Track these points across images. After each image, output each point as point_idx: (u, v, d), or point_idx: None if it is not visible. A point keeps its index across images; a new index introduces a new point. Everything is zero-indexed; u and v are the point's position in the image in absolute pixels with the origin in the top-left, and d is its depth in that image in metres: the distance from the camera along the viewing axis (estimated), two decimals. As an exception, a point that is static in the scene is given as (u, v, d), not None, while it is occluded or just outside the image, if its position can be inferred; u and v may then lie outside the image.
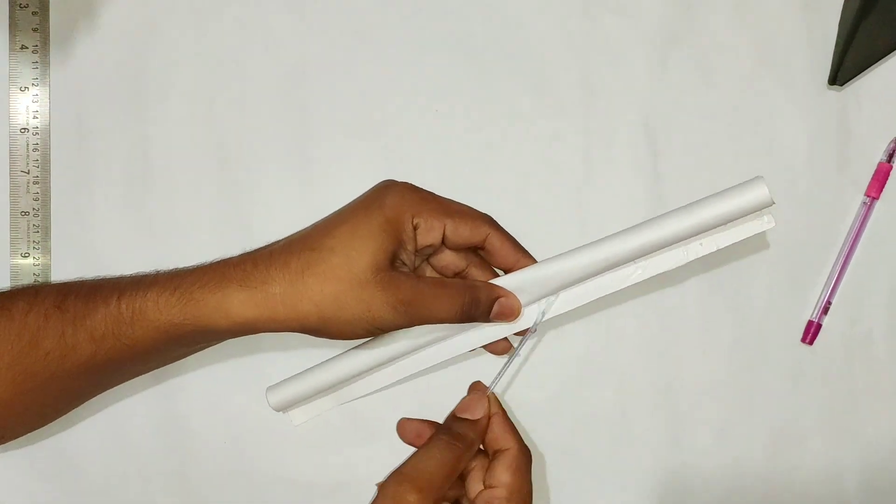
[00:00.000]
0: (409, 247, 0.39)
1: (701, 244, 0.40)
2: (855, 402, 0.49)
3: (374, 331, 0.38)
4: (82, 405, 0.43)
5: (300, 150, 0.49)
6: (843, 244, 0.49)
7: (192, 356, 0.44)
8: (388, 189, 0.39)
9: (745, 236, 0.41)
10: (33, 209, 0.48)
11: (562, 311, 0.41)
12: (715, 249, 0.41)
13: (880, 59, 0.49)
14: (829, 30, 0.49)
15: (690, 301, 0.49)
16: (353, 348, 0.42)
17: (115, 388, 0.43)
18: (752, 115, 0.50)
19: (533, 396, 0.49)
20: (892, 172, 0.49)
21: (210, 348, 0.42)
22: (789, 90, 0.50)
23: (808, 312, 0.49)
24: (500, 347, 0.43)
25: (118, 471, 0.48)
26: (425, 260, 0.42)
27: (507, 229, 0.41)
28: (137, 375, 0.43)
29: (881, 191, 0.49)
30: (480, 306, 0.39)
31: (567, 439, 0.49)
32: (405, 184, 0.40)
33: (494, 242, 0.41)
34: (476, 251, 0.42)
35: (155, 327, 0.36)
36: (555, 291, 0.41)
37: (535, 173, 0.49)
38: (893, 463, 0.49)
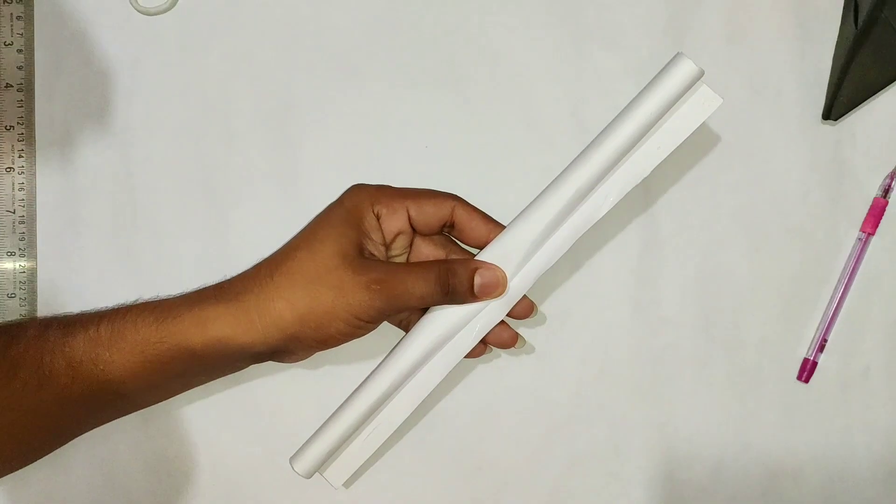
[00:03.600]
0: (375, 237, 0.39)
1: (658, 147, 0.39)
2: (851, 439, 0.49)
3: (355, 322, 0.37)
4: (67, 445, 0.42)
5: (287, 186, 0.48)
6: (839, 280, 0.48)
7: (177, 397, 0.43)
8: (346, 190, 0.40)
9: (698, 122, 0.39)
10: (19, 249, 0.47)
11: (549, 265, 0.40)
12: (674, 147, 0.39)
13: (874, 93, 0.48)
14: (822, 64, 0.49)
15: (684, 338, 0.49)
16: (356, 389, 0.41)
17: (102, 427, 0.42)
18: (745, 148, 0.49)
19: (525, 432, 0.48)
20: (887, 208, 0.48)
21: (194, 389, 0.42)
22: (783, 124, 0.49)
23: (804, 349, 0.49)
24: (507, 336, 0.42)
25: (106, 511, 0.47)
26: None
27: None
28: (119, 414, 0.42)
29: (877, 226, 0.48)
30: (458, 276, 0.38)
31: (560, 476, 0.48)
32: (363, 183, 0.40)
33: (462, 215, 0.40)
34: (452, 240, 0.42)
35: (131, 349, 0.36)
36: (534, 248, 0.40)
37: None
38: (889, 500, 0.49)
